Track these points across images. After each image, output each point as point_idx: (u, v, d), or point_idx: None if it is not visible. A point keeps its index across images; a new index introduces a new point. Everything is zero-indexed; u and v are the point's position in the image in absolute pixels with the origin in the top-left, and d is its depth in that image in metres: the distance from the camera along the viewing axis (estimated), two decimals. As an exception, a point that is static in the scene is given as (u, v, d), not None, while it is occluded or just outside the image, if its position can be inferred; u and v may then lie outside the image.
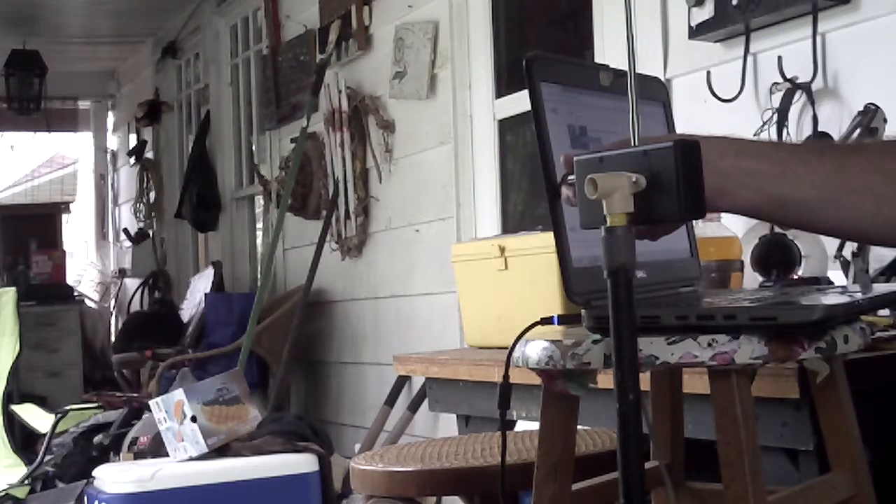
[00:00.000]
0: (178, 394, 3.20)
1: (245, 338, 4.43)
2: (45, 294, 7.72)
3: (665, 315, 1.13)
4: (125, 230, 7.94)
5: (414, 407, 3.99)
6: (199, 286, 6.06)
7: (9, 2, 6.45)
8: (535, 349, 1.21)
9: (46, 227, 10.10)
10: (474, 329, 2.44)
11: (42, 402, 5.82)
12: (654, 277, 1.26)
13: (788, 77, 2.44)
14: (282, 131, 5.21)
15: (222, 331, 5.24)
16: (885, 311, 1.73)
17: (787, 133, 2.44)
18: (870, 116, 2.12)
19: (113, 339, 7.60)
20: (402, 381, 4.12)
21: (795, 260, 2.02)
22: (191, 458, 3.17)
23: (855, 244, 2.03)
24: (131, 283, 7.96)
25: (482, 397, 2.21)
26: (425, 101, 3.94)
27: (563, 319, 1.28)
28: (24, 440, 4.78)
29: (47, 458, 4.03)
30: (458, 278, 2.51)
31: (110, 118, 8.93)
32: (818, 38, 2.40)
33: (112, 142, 8.92)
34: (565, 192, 1.08)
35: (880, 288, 1.41)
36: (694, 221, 1.47)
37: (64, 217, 10.95)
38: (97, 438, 4.03)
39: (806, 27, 2.40)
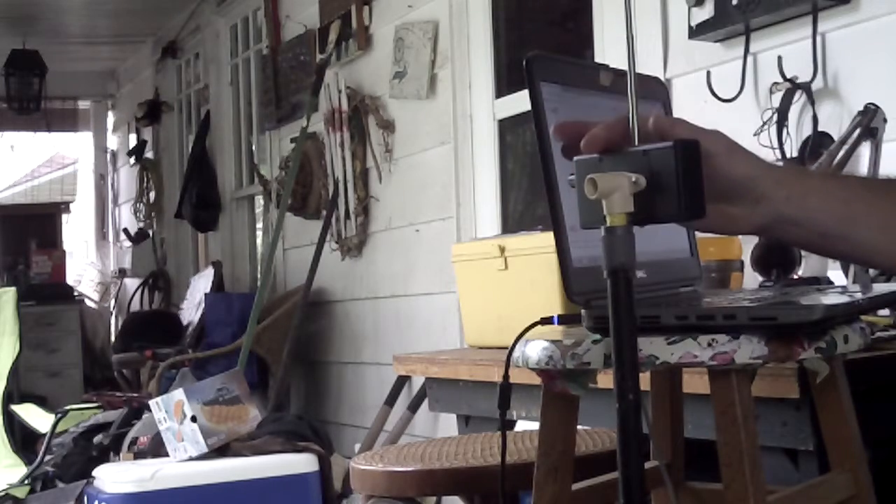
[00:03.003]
0: (178, 394, 3.20)
1: (245, 338, 4.43)
2: (45, 294, 7.73)
3: (665, 315, 1.13)
4: (125, 230, 7.94)
5: (414, 407, 3.99)
6: (199, 286, 6.06)
7: (9, 2, 6.45)
8: (535, 349, 1.21)
9: (46, 227, 10.11)
10: (474, 329, 2.44)
11: (42, 402, 5.82)
12: (654, 277, 1.26)
13: (788, 77, 2.44)
14: (282, 131, 5.22)
15: (222, 331, 5.24)
16: (885, 311, 1.73)
17: (787, 133, 2.44)
18: (870, 116, 2.12)
19: (113, 339, 7.60)
20: (402, 381, 4.12)
21: (795, 260, 2.02)
22: (191, 458, 3.17)
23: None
24: (131, 283, 7.96)
25: (482, 397, 2.21)
26: (425, 101, 3.94)
27: (563, 319, 1.28)
28: (24, 440, 4.77)
29: (47, 458, 4.02)
30: (458, 278, 2.51)
31: (110, 118, 8.93)
32: (818, 38, 2.40)
33: (112, 142, 8.92)
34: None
35: (880, 288, 1.41)
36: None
37: (64, 217, 10.96)
38: (97, 438, 4.03)
39: (806, 27, 2.41)
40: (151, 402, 3.32)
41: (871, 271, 1.96)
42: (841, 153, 2.10)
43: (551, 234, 1.14)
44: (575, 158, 0.99)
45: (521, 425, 2.24)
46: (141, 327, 6.38)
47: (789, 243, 1.09)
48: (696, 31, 2.61)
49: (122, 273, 8.43)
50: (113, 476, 3.15)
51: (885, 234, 1.04)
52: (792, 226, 1.03)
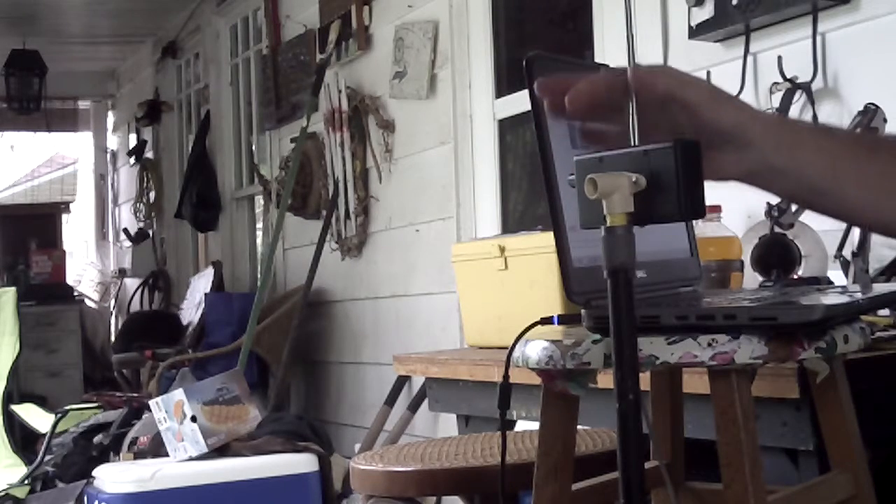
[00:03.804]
0: (178, 394, 3.20)
1: (245, 338, 4.43)
2: (45, 294, 7.73)
3: (665, 315, 1.13)
4: (125, 230, 7.94)
5: (414, 407, 3.99)
6: (199, 286, 6.06)
7: (9, 2, 6.45)
8: (535, 349, 1.21)
9: (46, 227, 10.10)
10: (474, 329, 2.44)
11: (42, 402, 5.83)
12: (654, 277, 1.26)
13: (788, 77, 2.44)
14: (282, 131, 5.22)
15: (222, 331, 5.24)
16: (885, 311, 1.73)
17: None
18: (870, 116, 2.12)
19: (113, 339, 7.60)
20: (402, 381, 4.12)
21: (795, 260, 2.02)
22: (191, 458, 3.17)
23: (855, 244, 2.04)
24: (131, 283, 7.97)
25: (482, 397, 2.21)
26: (425, 101, 3.94)
27: (563, 319, 1.28)
28: (24, 440, 4.78)
29: (47, 458, 4.03)
30: (458, 278, 2.51)
31: (110, 118, 8.93)
32: (818, 38, 2.40)
33: (112, 142, 8.92)
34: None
35: (880, 288, 1.41)
36: (694, 221, 1.47)
37: (64, 217, 10.95)
38: (97, 438, 4.03)
39: (806, 27, 2.41)
40: (151, 402, 3.32)
41: (872, 270, 1.96)
42: (841, 153, 2.09)
43: (551, 234, 1.14)
44: (575, 158, 0.99)
45: (521, 425, 2.24)
46: (141, 327, 6.38)
47: (776, 194, 1.06)
48: (696, 31, 2.61)
49: (122, 273, 8.43)
50: (113, 476, 3.15)
51: (871, 192, 1.02)
52: (779, 176, 1.02)
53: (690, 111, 0.98)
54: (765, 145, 1.00)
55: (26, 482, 3.95)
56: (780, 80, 2.45)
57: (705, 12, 2.56)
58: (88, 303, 8.62)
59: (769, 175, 1.02)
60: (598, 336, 1.16)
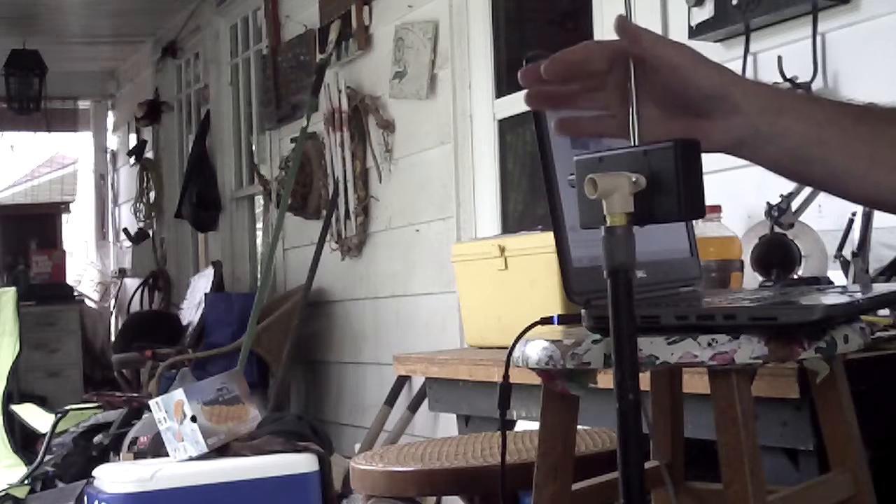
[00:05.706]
0: (178, 394, 3.20)
1: (245, 338, 4.43)
2: (45, 294, 7.73)
3: (665, 315, 1.13)
4: (125, 230, 7.94)
5: (414, 407, 3.99)
6: (199, 286, 6.06)
7: (9, 2, 6.45)
8: (535, 349, 1.21)
9: (46, 227, 10.11)
10: (474, 329, 2.44)
11: (42, 402, 5.82)
12: (654, 277, 1.26)
13: (788, 77, 2.44)
14: (282, 131, 5.22)
15: (222, 331, 5.24)
16: (885, 311, 1.73)
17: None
18: (870, 116, 2.12)
19: (113, 339, 7.60)
20: (402, 381, 4.12)
21: (795, 260, 2.02)
22: (191, 458, 3.17)
23: (855, 244, 2.04)
24: (131, 283, 7.97)
25: (482, 397, 2.21)
26: (425, 101, 3.94)
27: (563, 319, 1.28)
28: (24, 440, 4.77)
29: (47, 458, 4.03)
30: (458, 278, 2.51)
31: (110, 118, 8.93)
32: (818, 38, 2.40)
33: (112, 142, 8.92)
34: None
35: (880, 288, 1.41)
36: (694, 221, 1.47)
37: (64, 217, 10.95)
38: (97, 438, 4.03)
39: (806, 27, 2.41)
40: (151, 402, 3.32)
41: (872, 270, 1.96)
42: (841, 153, 2.09)
43: (551, 234, 1.14)
44: (575, 158, 0.99)
45: (521, 425, 2.24)
46: (141, 327, 6.38)
47: (764, 165, 1.05)
48: (696, 31, 2.61)
49: (122, 273, 8.43)
50: (113, 476, 3.15)
51: (859, 161, 1.01)
52: (765, 143, 1.00)
53: (673, 72, 0.98)
54: (749, 108, 0.99)
55: (26, 482, 3.94)
56: (780, 80, 2.45)
57: (705, 12, 2.56)
58: (88, 303, 8.62)
59: (756, 143, 1.01)
60: (598, 336, 1.16)
